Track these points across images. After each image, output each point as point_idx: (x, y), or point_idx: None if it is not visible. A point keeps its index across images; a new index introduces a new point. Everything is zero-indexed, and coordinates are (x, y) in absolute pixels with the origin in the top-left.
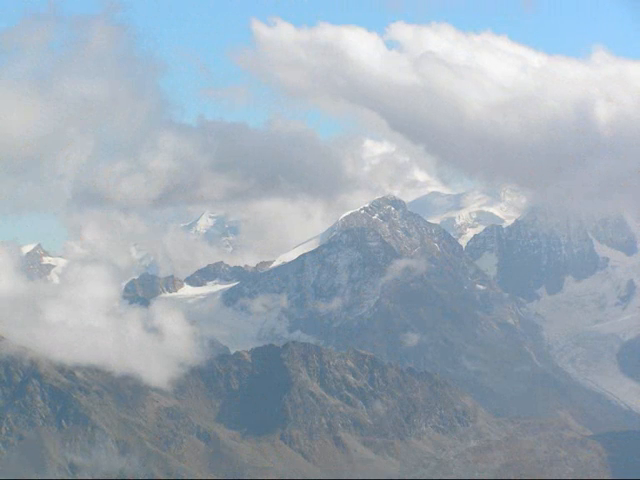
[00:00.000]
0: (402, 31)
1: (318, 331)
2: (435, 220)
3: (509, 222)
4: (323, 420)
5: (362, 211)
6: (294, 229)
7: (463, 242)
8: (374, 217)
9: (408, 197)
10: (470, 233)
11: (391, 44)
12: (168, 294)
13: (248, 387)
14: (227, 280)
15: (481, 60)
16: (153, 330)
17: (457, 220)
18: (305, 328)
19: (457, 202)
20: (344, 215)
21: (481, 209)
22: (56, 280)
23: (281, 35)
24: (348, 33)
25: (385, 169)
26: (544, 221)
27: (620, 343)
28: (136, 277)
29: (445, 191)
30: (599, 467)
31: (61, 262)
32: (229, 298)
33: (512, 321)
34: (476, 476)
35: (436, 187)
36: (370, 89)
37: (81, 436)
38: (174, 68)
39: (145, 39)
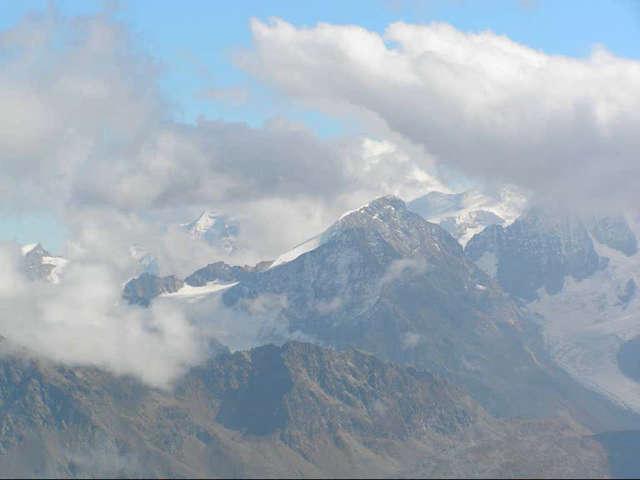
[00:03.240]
0: (402, 31)
1: (318, 331)
2: (435, 220)
3: (509, 222)
4: (323, 420)
5: (362, 211)
6: (294, 229)
7: (463, 242)
8: (374, 217)
9: (408, 197)
10: (470, 233)
11: (391, 44)
12: (168, 294)
13: (248, 387)
14: (227, 280)
15: (481, 60)
16: (153, 330)
17: (457, 220)
18: (305, 328)
19: (457, 202)
20: (344, 215)
21: (481, 209)
22: (56, 280)
23: (281, 35)
24: (348, 33)
25: (385, 169)
26: (544, 221)
27: (620, 343)
28: (136, 277)
29: (445, 191)
30: (599, 467)
31: (61, 262)
32: (229, 298)
33: (512, 321)
34: (476, 476)
35: (436, 187)
36: (370, 89)
37: (81, 436)
38: (174, 68)
39: (145, 39)
